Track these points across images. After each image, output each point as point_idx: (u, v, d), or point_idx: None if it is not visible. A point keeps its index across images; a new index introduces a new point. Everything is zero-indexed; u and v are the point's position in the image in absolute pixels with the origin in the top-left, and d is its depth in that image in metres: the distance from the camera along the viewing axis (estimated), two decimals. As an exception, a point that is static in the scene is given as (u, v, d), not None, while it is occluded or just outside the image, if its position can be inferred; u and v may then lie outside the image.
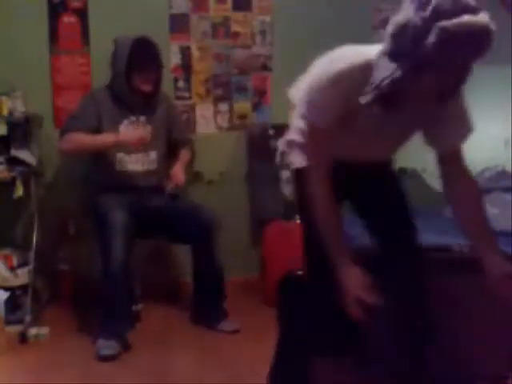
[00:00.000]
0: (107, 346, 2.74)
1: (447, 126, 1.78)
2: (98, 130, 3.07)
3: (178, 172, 3.20)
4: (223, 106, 3.59)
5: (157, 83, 3.14)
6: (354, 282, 1.79)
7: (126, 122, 3.12)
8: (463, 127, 1.80)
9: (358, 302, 1.76)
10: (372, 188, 2.08)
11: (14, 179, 3.03)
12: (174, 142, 3.31)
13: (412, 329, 2.15)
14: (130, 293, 2.96)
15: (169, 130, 3.27)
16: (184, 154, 3.33)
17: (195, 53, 3.54)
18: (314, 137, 1.82)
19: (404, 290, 2.10)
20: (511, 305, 1.83)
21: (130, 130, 3.12)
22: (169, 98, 3.41)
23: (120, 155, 3.11)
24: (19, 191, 3.03)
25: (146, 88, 3.08)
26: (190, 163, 3.41)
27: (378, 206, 2.12)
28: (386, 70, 1.53)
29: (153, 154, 3.19)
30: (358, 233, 2.27)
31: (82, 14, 3.42)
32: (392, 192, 2.12)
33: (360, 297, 1.75)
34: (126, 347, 2.80)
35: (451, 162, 1.84)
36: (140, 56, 3.01)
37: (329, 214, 1.84)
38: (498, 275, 1.78)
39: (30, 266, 3.12)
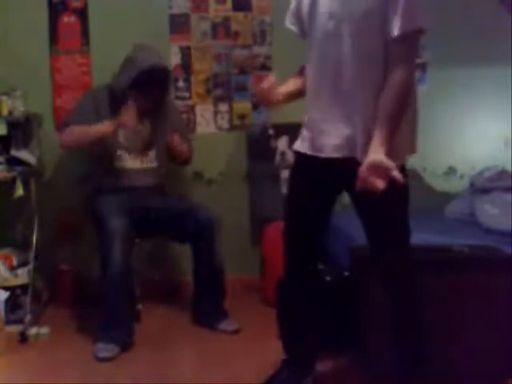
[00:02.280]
0: (105, 349, 2.73)
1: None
2: None
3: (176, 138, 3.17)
4: (223, 106, 3.59)
5: (158, 100, 3.13)
6: None
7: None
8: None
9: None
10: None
11: (14, 179, 3.03)
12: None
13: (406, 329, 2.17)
14: (131, 297, 2.95)
15: (170, 130, 3.26)
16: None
17: (195, 53, 3.54)
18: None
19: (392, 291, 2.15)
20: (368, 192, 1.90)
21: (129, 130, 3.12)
22: (171, 99, 3.40)
23: (119, 152, 3.11)
24: (19, 191, 3.02)
25: (144, 105, 3.07)
26: (188, 162, 3.39)
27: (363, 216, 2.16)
28: None
29: (152, 153, 3.18)
30: (358, 232, 2.27)
31: (82, 13, 3.42)
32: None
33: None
34: (125, 349, 2.79)
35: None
36: (144, 83, 3.01)
37: None
38: (362, 167, 1.90)
39: (30, 266, 3.12)
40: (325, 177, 2.10)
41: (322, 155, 2.08)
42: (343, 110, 2.02)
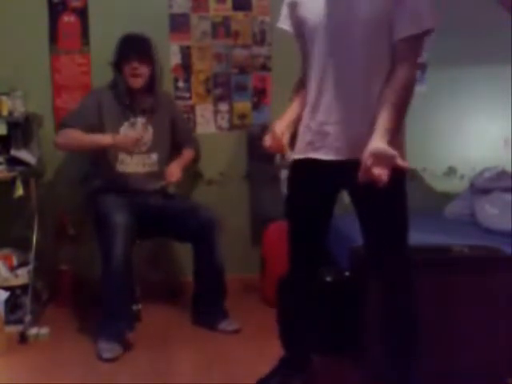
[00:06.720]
0: (108, 349, 2.73)
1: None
2: (97, 129, 3.06)
3: (174, 169, 3.18)
4: (223, 106, 3.59)
5: (149, 80, 3.10)
6: None
7: (126, 123, 3.12)
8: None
9: None
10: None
11: (14, 179, 3.03)
12: (178, 143, 3.30)
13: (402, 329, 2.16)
14: (131, 292, 2.95)
15: (172, 132, 3.27)
16: (186, 153, 3.32)
17: (195, 53, 3.54)
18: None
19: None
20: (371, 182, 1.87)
21: (129, 130, 3.11)
22: (172, 98, 3.41)
23: (121, 156, 3.11)
24: (19, 191, 3.02)
25: (135, 83, 3.05)
26: (194, 163, 3.41)
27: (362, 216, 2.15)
28: None
29: (154, 156, 3.18)
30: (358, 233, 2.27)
31: (82, 13, 3.42)
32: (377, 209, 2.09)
33: None
34: (126, 347, 2.79)
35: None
36: (128, 48, 3.04)
37: None
38: (365, 157, 1.87)
39: (30, 266, 3.12)
40: (325, 179, 2.09)
41: (324, 158, 2.07)
42: (346, 112, 2.02)
